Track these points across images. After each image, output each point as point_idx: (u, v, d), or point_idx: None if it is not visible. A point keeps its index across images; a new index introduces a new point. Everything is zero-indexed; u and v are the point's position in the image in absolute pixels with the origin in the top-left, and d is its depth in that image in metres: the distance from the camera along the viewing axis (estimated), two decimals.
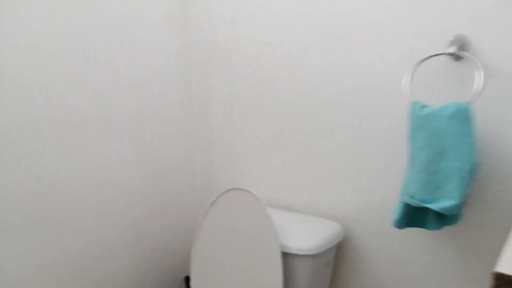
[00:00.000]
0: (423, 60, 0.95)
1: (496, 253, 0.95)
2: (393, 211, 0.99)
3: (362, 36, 1.07)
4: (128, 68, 1.24)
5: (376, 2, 1.04)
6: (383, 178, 1.10)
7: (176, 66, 1.41)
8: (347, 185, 1.17)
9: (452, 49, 0.90)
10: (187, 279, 1.47)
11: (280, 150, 1.28)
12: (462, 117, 0.84)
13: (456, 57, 0.93)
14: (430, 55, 0.94)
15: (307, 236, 1.09)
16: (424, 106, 0.90)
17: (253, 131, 1.33)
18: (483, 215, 0.97)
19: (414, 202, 0.89)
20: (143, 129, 1.31)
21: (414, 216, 0.95)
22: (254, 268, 1.09)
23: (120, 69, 1.22)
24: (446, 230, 1.02)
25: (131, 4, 1.23)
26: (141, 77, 1.29)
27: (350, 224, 1.19)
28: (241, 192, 1.13)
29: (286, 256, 1.06)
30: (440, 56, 0.94)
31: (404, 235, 1.09)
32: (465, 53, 0.89)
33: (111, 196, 1.23)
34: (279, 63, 1.24)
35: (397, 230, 1.09)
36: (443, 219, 0.93)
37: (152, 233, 1.38)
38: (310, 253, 1.04)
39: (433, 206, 0.86)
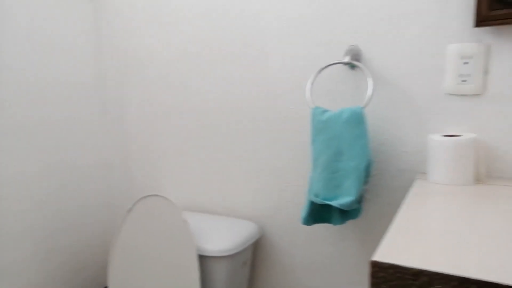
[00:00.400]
0: (322, 69, 1.02)
1: None
2: (302, 209, 1.05)
3: (270, 46, 1.13)
4: (36, 74, 1.19)
5: (281, 15, 1.10)
6: (293, 177, 1.17)
7: (88, 72, 1.37)
8: (260, 186, 1.23)
9: (347, 59, 0.99)
10: None
11: (196, 154, 1.31)
12: (356, 120, 0.93)
13: (351, 65, 1.02)
14: (328, 64, 1.01)
15: (223, 237, 1.12)
16: (324, 111, 0.98)
17: (170, 136, 1.34)
18: (380, 208, 1.07)
19: (318, 200, 0.96)
20: (54, 139, 1.26)
21: (320, 213, 1.02)
22: (172, 274, 1.10)
23: (27, 76, 1.16)
24: (350, 224, 1.11)
25: (39, 10, 1.18)
26: (50, 85, 1.24)
27: (266, 223, 1.24)
28: (157, 198, 1.13)
29: (203, 259, 1.09)
30: (338, 64, 1.03)
31: (314, 230, 1.17)
32: (357, 63, 0.98)
33: (17, 210, 1.17)
34: (192, 70, 1.26)
35: (307, 226, 1.17)
36: (345, 214, 1.01)
37: (66, 245, 1.33)
38: (226, 254, 1.08)
39: (334, 203, 0.93)
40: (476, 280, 0.46)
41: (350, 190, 0.93)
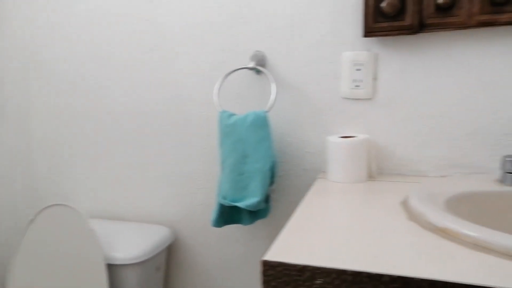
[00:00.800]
0: (228, 74, 1.05)
1: None
2: (212, 211, 1.07)
3: (178, 50, 1.13)
4: None
5: (188, 19, 1.11)
6: (204, 180, 1.18)
7: None
8: (172, 190, 1.22)
9: (251, 64, 1.02)
10: None
11: (105, 160, 1.26)
12: (260, 124, 0.96)
13: (257, 70, 1.06)
14: (234, 69, 1.04)
15: (133, 244, 1.10)
16: (231, 115, 1.00)
17: (77, 141, 1.28)
18: (287, 207, 1.12)
19: (226, 202, 0.98)
20: None
21: (230, 214, 1.05)
22: (80, 285, 1.06)
23: None
24: (259, 223, 1.15)
25: None
26: None
27: (178, 227, 1.24)
28: (61, 208, 1.08)
29: (114, 268, 1.06)
30: (245, 69, 1.06)
31: (226, 231, 1.19)
32: (262, 68, 1.02)
33: None
34: (100, 74, 1.22)
35: (218, 228, 1.18)
36: (254, 214, 1.04)
37: None
38: (137, 261, 1.06)
39: (240, 204, 0.96)
40: (352, 271, 0.51)
41: (256, 191, 0.96)
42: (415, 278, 0.48)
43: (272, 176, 1.01)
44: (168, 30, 1.14)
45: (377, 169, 0.99)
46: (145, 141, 1.22)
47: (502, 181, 0.81)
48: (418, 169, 0.98)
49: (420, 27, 0.87)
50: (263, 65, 1.05)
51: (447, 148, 0.94)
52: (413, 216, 0.68)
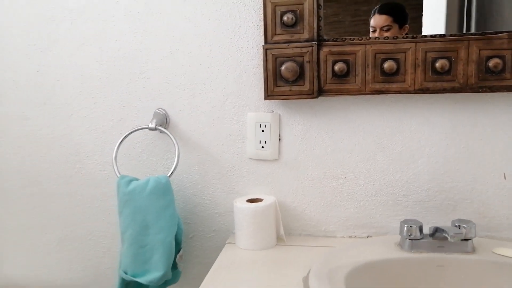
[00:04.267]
0: (127, 134, 0.98)
1: None
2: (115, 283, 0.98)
3: (73, 105, 1.05)
4: None
5: (82, 72, 1.03)
6: (110, 242, 1.09)
7: None
8: (76, 254, 1.12)
9: (152, 124, 0.96)
10: None
11: None
12: (161, 191, 0.90)
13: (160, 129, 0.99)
14: (133, 129, 0.97)
15: None
16: (130, 181, 0.92)
17: None
18: (199, 269, 1.06)
19: (127, 277, 0.90)
20: None
21: (135, 284, 0.96)
22: None
23: None
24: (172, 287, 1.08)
25: None
26: None
27: None
28: None
29: None
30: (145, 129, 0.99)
31: None
32: (163, 129, 0.96)
33: None
34: None
35: None
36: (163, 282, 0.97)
37: None
38: None
39: (142, 280, 0.89)
40: None
41: (159, 264, 0.89)
42: None
43: (178, 243, 0.95)
44: (60, 83, 1.04)
45: (286, 231, 0.97)
46: (42, 201, 1.10)
47: (401, 245, 0.82)
48: (326, 229, 0.97)
49: (319, 91, 0.87)
50: (165, 124, 1.00)
51: (352, 209, 0.94)
52: None
